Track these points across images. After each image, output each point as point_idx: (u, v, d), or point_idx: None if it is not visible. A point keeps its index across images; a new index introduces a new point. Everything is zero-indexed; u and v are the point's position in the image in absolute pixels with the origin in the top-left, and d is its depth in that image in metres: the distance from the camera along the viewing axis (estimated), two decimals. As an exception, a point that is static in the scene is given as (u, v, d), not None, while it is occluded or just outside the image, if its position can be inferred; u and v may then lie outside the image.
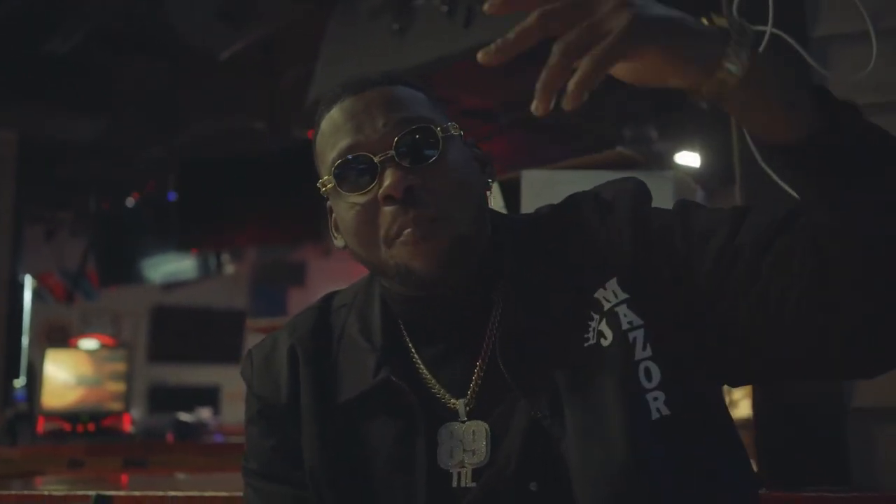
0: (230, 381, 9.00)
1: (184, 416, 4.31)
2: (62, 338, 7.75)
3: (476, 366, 0.98)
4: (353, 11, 2.91)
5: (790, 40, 1.49)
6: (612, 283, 0.94)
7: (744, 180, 1.54)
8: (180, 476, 2.77)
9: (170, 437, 4.02)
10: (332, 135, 0.98)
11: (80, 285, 7.76)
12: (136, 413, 6.59)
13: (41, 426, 3.64)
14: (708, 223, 0.94)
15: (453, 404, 0.98)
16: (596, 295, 0.94)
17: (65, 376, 3.75)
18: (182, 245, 5.22)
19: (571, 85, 0.72)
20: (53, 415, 3.67)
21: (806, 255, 0.84)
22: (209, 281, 7.69)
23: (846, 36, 1.50)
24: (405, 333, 1.03)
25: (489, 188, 1.04)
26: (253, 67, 4.29)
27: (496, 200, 1.69)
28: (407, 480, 0.95)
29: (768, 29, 1.49)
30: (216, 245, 5.61)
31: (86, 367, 3.77)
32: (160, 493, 1.56)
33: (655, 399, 0.90)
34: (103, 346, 4.10)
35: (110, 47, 4.16)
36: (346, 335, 1.05)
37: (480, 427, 0.96)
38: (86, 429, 3.66)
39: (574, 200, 1.03)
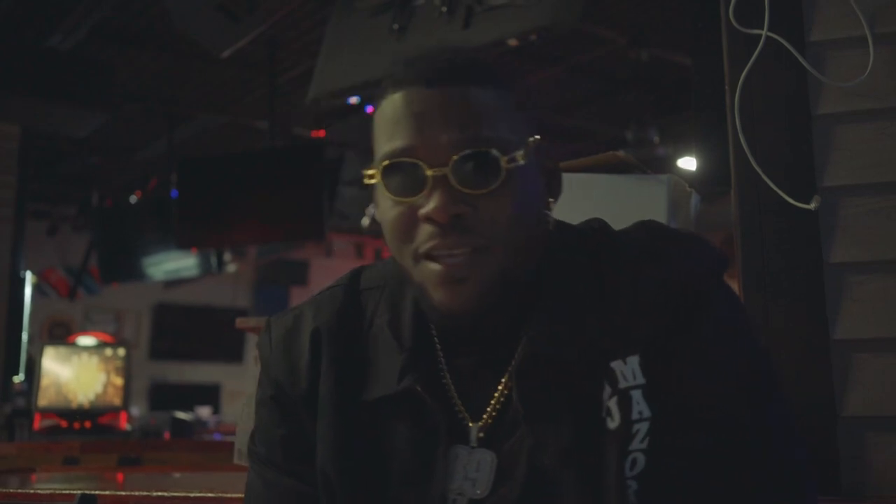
0: (231, 379, 9.02)
1: (181, 414, 4.30)
2: (64, 334, 7.76)
3: (497, 390, 0.93)
4: (353, 10, 2.91)
5: (786, 44, 1.48)
6: (634, 361, 0.89)
7: (739, 185, 1.53)
8: (175, 475, 2.76)
9: (167, 435, 4.02)
10: (391, 125, 0.90)
11: (82, 281, 7.78)
12: (137, 410, 6.59)
13: (38, 422, 3.63)
14: (728, 398, 0.88)
15: (468, 425, 0.93)
16: (613, 365, 0.88)
17: (62, 373, 3.74)
18: (181, 243, 5.22)
19: None
20: (50, 411, 3.66)
21: None
22: (212, 279, 7.71)
23: (843, 41, 1.48)
24: (435, 336, 0.97)
25: (550, 207, 0.97)
26: (254, 65, 4.29)
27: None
28: (419, 495, 0.91)
29: (764, 33, 1.48)
30: (216, 243, 5.61)
31: (83, 364, 3.77)
32: (145, 493, 1.56)
33: (628, 486, 0.86)
34: (101, 342, 4.09)
35: (113, 44, 4.16)
36: (375, 326, 0.98)
37: (487, 457, 0.92)
38: (82, 426, 3.65)
39: (634, 249, 0.95)
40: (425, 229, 0.88)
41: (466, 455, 0.92)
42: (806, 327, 1.44)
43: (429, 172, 0.87)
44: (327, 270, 9.05)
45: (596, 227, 1.00)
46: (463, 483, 0.91)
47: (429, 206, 0.86)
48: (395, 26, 2.64)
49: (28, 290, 4.75)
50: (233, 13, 3.26)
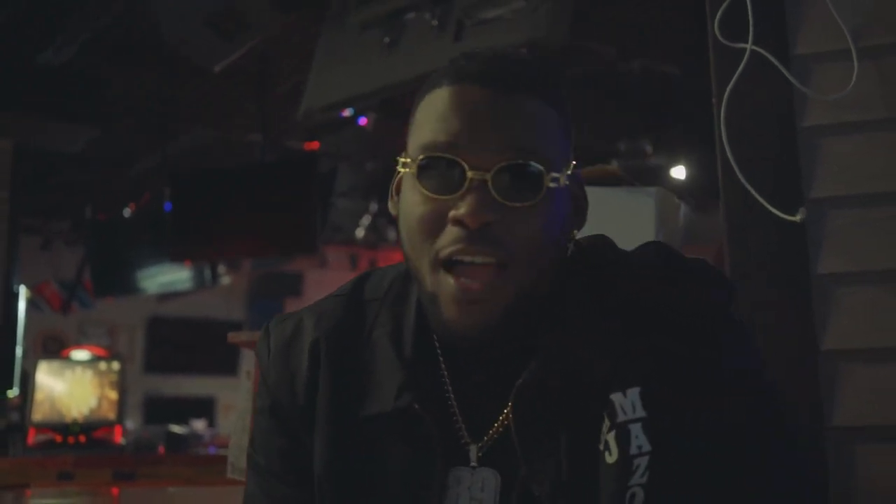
0: (226, 392, 9.00)
1: (176, 428, 4.30)
2: (58, 348, 7.74)
3: (503, 413, 0.90)
4: (344, 24, 2.93)
5: (771, 58, 1.50)
6: (634, 394, 0.85)
7: (726, 198, 1.54)
8: (170, 489, 2.76)
9: (161, 449, 4.01)
10: (437, 118, 0.86)
11: (76, 295, 7.77)
12: (132, 424, 6.58)
13: (32, 437, 3.62)
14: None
15: (467, 444, 0.91)
16: (612, 397, 0.85)
17: (56, 387, 3.74)
18: (175, 256, 5.23)
19: None
20: (44, 426, 3.65)
21: None
22: (206, 292, 7.70)
23: (827, 54, 1.50)
24: (439, 349, 0.93)
25: (573, 237, 0.94)
26: (247, 79, 4.30)
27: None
28: None
29: (748, 46, 1.49)
30: (210, 256, 5.61)
31: (78, 378, 3.76)
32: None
33: None
34: (96, 356, 4.09)
35: (105, 58, 4.17)
36: (375, 337, 0.95)
37: (490, 476, 0.89)
38: (77, 440, 3.64)
39: (640, 276, 0.91)
40: (451, 232, 0.84)
41: (469, 476, 0.90)
42: (794, 338, 1.45)
43: (469, 174, 0.83)
44: (322, 282, 9.04)
45: (601, 246, 0.96)
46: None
47: (461, 209, 0.83)
48: (386, 40, 2.66)
49: (22, 305, 4.75)
50: (222, 30, 3.28)
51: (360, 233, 6.76)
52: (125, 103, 4.64)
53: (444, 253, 0.84)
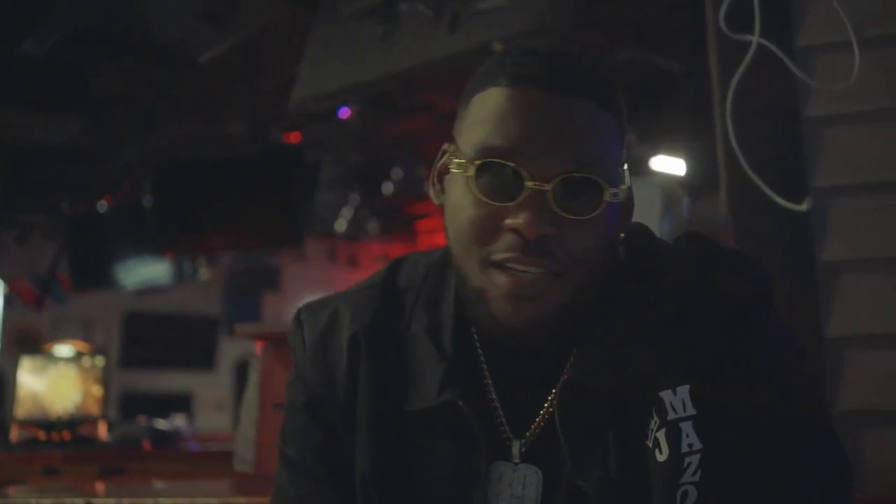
0: (203, 387, 8.94)
1: (160, 424, 4.25)
2: (32, 344, 7.63)
3: (543, 408, 0.89)
4: (336, 15, 2.90)
5: (776, 50, 1.52)
6: (684, 392, 0.83)
7: (731, 188, 1.56)
8: (158, 484, 2.74)
9: (146, 444, 3.96)
10: (498, 118, 0.83)
11: (50, 290, 7.66)
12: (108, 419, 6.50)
13: (14, 434, 3.57)
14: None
15: (509, 440, 0.90)
16: (662, 395, 0.84)
17: (38, 383, 3.68)
18: (158, 249, 5.17)
19: None
20: (27, 423, 3.60)
21: None
22: (182, 287, 7.63)
23: (830, 45, 1.52)
24: (478, 342, 0.92)
25: (621, 243, 0.92)
26: (233, 71, 4.27)
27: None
28: None
29: (755, 39, 1.51)
30: (192, 249, 5.56)
31: (61, 374, 3.71)
32: (147, 500, 1.55)
33: None
34: (78, 352, 4.04)
35: (87, 49, 4.11)
36: (413, 331, 0.93)
37: (533, 473, 0.89)
38: (61, 437, 3.59)
39: (682, 271, 0.89)
40: (506, 239, 0.83)
41: (511, 472, 0.89)
42: (799, 325, 1.48)
43: (528, 184, 0.81)
44: (300, 276, 9.00)
45: (640, 236, 0.95)
46: (511, 501, 0.89)
47: (519, 219, 0.81)
48: (380, 31, 2.64)
49: (0, 300, 4.68)
50: (215, 19, 3.24)
51: (341, 225, 6.71)
52: (107, 95, 4.58)
53: (497, 258, 0.83)
